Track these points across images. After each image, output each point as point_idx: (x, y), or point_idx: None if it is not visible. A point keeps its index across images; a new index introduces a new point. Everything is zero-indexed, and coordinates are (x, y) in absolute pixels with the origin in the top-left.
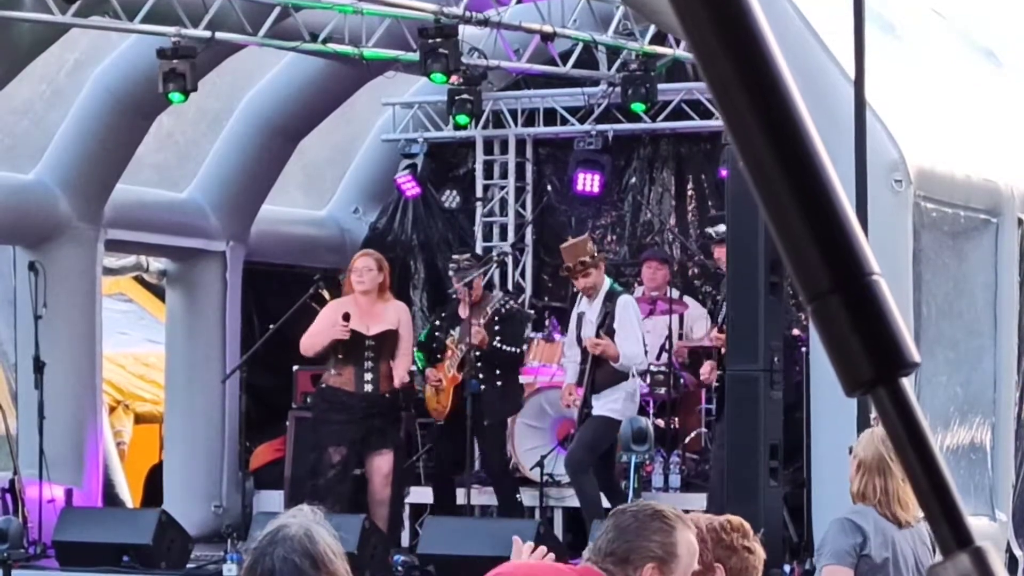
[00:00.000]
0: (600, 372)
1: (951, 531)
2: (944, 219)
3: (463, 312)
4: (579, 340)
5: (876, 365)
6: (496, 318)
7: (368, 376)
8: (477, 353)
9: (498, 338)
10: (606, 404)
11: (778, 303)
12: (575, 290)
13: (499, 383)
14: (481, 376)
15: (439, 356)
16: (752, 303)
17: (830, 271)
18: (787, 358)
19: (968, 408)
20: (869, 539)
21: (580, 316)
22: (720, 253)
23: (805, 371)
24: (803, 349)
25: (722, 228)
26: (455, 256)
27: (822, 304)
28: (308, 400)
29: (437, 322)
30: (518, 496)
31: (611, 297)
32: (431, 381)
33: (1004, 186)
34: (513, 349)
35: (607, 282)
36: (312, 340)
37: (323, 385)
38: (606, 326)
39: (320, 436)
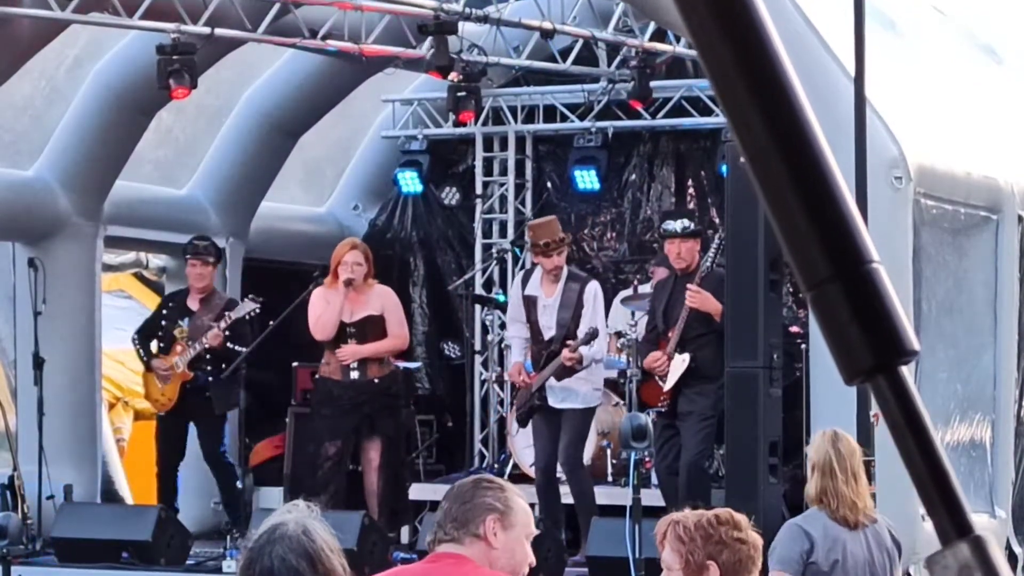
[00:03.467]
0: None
1: (951, 520)
2: (944, 216)
3: (193, 304)
4: (529, 320)
5: (875, 353)
6: (227, 314)
7: (353, 363)
8: (208, 356)
9: (228, 341)
10: (571, 395)
11: (778, 300)
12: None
13: (223, 376)
14: (209, 368)
15: (162, 345)
16: (752, 300)
17: (829, 259)
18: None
19: (968, 405)
20: (816, 546)
21: (531, 300)
22: (671, 248)
23: (805, 368)
24: (803, 346)
25: (677, 225)
26: (195, 241)
27: (821, 292)
28: (308, 397)
29: (165, 311)
30: (238, 483)
31: (575, 279)
32: (159, 371)
33: (1004, 183)
34: (242, 348)
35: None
36: (322, 321)
37: (317, 376)
38: (575, 315)
39: (315, 430)
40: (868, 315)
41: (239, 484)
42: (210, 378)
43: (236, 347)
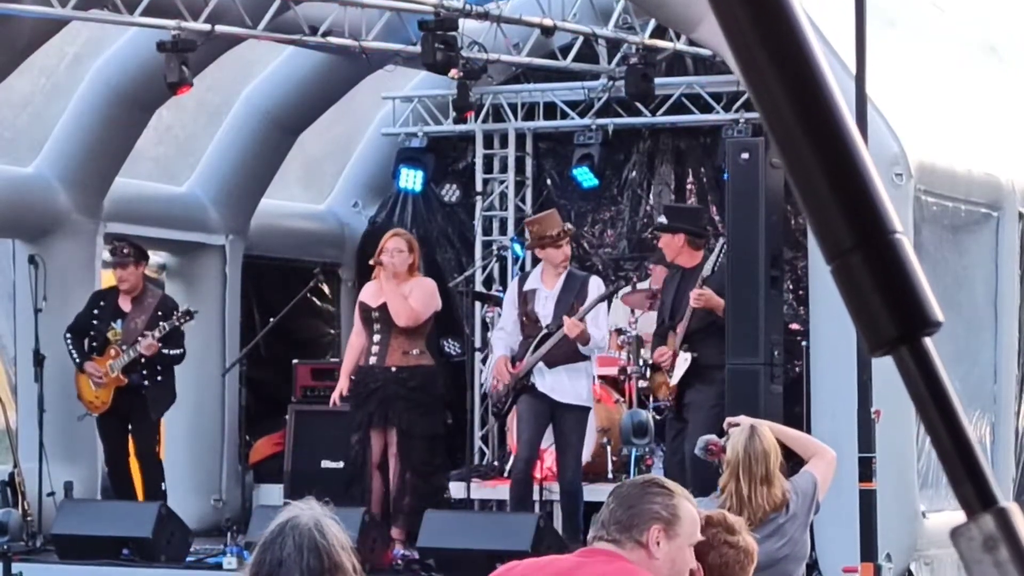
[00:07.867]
0: (558, 348)
1: (975, 491)
2: (945, 213)
3: (124, 305)
4: (525, 316)
5: (899, 324)
6: (161, 324)
7: (375, 349)
8: (143, 359)
9: (163, 346)
10: (562, 387)
11: (779, 296)
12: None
13: (159, 378)
14: (144, 372)
15: (95, 345)
16: (752, 297)
17: (853, 228)
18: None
19: (968, 402)
20: None
21: (531, 293)
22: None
23: (805, 364)
24: (803, 343)
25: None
26: (116, 243)
27: (844, 262)
28: (308, 394)
29: (96, 310)
30: (163, 485)
31: (576, 276)
32: (93, 376)
33: (1005, 180)
34: (178, 351)
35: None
36: (351, 344)
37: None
38: (574, 305)
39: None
40: (892, 285)
41: (163, 487)
42: (146, 382)
43: (171, 352)
